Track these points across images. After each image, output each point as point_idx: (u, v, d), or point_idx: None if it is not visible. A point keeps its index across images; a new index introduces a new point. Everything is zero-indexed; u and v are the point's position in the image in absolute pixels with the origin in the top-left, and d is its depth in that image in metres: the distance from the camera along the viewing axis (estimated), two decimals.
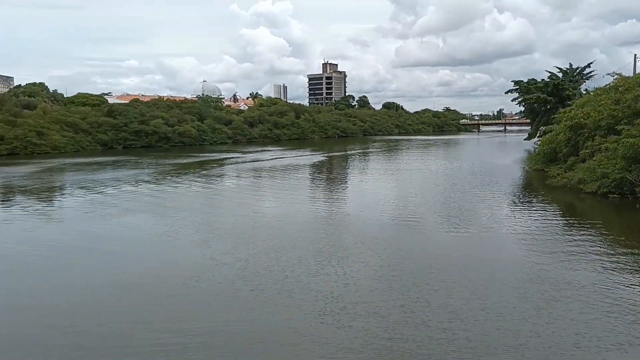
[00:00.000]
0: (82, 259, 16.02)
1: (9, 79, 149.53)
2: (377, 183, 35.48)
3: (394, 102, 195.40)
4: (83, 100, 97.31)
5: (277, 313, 11.42)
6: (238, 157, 58.71)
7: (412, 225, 20.39)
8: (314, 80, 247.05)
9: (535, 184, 33.44)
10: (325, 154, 65.32)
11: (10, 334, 10.71)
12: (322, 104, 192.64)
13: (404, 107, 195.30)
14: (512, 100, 64.01)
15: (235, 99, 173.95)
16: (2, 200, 30.06)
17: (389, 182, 36.48)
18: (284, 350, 9.90)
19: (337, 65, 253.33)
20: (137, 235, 19.75)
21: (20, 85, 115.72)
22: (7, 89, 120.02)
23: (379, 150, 75.70)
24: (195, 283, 13.40)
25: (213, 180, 37.77)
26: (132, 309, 12.01)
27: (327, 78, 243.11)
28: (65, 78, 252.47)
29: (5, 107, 73.33)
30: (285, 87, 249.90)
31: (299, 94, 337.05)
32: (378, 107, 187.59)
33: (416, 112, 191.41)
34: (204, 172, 43.35)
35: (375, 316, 11.10)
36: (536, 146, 48.06)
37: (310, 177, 41.79)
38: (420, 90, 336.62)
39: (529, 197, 28.07)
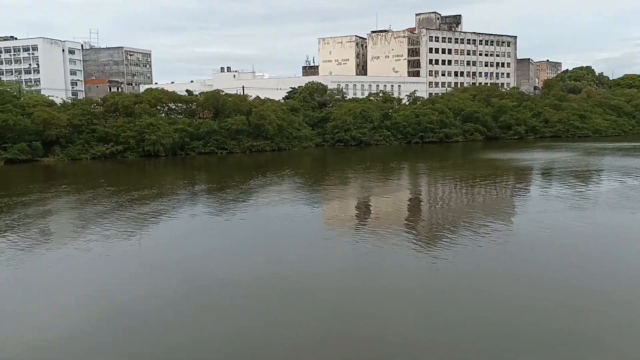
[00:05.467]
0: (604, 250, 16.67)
1: (557, 64, 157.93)
2: None
3: None
4: (629, 82, 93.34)
5: None
6: None
7: None
8: None
9: None
10: None
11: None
12: None
13: None
14: None
15: None
16: (541, 181, 33.26)
17: None
18: None
19: None
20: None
21: (567, 70, 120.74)
22: (555, 74, 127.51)
23: None
24: None
25: None
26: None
27: None
28: (612, 60, 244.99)
29: (552, 92, 79.21)
30: None
31: None
32: None
33: None
34: None
35: None
36: None
37: None
38: None
39: None
